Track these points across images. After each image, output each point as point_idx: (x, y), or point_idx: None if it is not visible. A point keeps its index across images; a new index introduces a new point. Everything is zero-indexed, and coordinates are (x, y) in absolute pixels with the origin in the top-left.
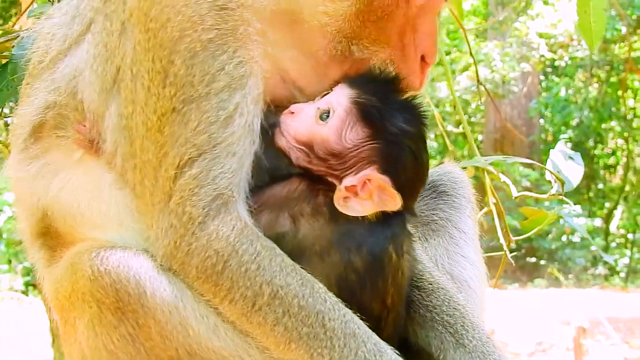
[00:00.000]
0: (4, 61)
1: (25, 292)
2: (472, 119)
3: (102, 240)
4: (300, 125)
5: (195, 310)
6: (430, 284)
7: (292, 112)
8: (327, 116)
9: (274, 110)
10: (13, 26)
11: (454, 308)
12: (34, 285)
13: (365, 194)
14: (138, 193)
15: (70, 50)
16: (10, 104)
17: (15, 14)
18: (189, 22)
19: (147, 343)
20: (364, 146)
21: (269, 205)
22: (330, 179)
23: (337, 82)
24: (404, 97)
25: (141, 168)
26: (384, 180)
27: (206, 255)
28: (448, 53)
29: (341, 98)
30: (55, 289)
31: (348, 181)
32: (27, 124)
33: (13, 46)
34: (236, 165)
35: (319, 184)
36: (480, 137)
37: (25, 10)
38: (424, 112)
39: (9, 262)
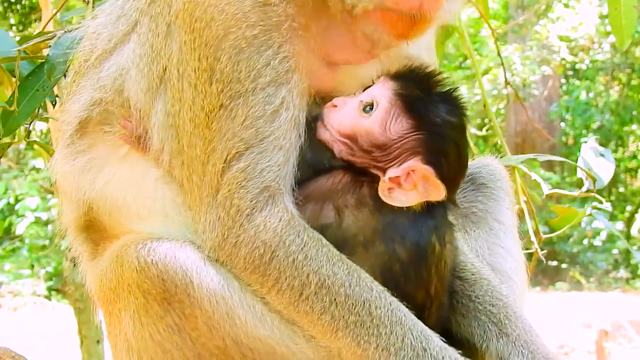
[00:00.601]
0: (39, 62)
1: (48, 297)
2: (492, 123)
3: (147, 232)
4: (344, 118)
5: (242, 299)
6: (473, 275)
7: (335, 106)
8: (371, 109)
9: (319, 102)
10: (45, 27)
11: (497, 298)
12: (57, 290)
13: (409, 185)
14: (186, 189)
15: (116, 49)
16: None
17: (35, 20)
18: (233, 19)
19: (194, 333)
20: (408, 137)
21: (313, 197)
22: (373, 170)
23: (378, 77)
24: (445, 89)
25: (189, 164)
26: (428, 171)
27: (254, 246)
28: (479, 53)
29: (384, 91)
30: (100, 281)
31: (392, 172)
32: (74, 119)
33: (49, 46)
34: (283, 159)
35: (362, 176)
36: (500, 141)
37: (56, 12)
38: (465, 103)
39: (32, 267)
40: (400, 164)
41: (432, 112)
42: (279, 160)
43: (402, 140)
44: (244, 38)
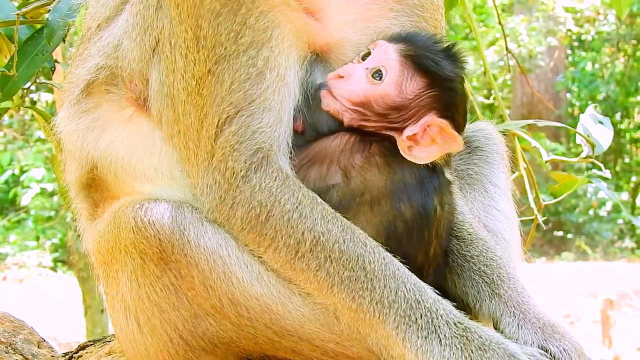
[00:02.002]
0: (38, 26)
1: (53, 269)
2: (500, 94)
3: (147, 193)
4: (354, 87)
5: (240, 259)
6: (470, 234)
7: (341, 76)
8: (379, 74)
9: (316, 59)
10: None
11: (491, 259)
12: (63, 262)
13: (426, 141)
14: (184, 156)
15: (112, 18)
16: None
17: None
18: None
19: (190, 292)
20: (423, 95)
21: (318, 159)
22: (387, 132)
23: (373, 43)
24: (445, 45)
25: (185, 132)
26: (444, 124)
27: (250, 206)
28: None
29: (390, 54)
30: (98, 243)
31: (409, 130)
32: (81, 81)
33: (48, 10)
34: (274, 120)
35: (370, 136)
36: (507, 112)
37: None
38: (465, 57)
39: (37, 238)
40: (417, 122)
41: (442, 68)
42: (270, 121)
43: (418, 99)
44: (218, 0)
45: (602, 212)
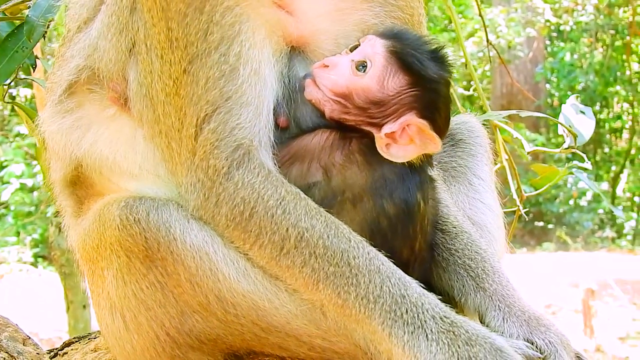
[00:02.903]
0: (18, 23)
1: (34, 264)
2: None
3: (132, 191)
4: (338, 77)
5: (226, 255)
6: (455, 228)
7: (326, 66)
8: (364, 67)
9: (293, 52)
10: None
11: (476, 252)
12: (43, 257)
13: (405, 140)
14: (167, 156)
15: (91, 19)
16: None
17: None
18: None
19: (176, 290)
20: (405, 93)
21: (298, 156)
22: (366, 127)
23: (363, 37)
24: (433, 46)
25: (166, 132)
26: (423, 124)
27: (234, 203)
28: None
29: (377, 48)
30: (83, 240)
31: (388, 128)
32: (64, 82)
33: (28, 7)
34: (253, 115)
35: (350, 132)
36: (488, 104)
37: None
38: (451, 60)
39: (18, 234)
40: (396, 120)
41: (426, 68)
42: (248, 117)
43: (399, 96)
44: (182, 1)
45: (583, 202)
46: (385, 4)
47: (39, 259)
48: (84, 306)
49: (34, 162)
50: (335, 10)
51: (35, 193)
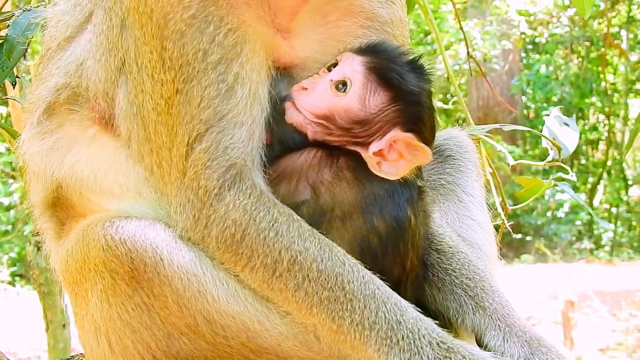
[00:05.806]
0: None
1: (11, 283)
2: (455, 98)
3: (114, 210)
4: (317, 99)
5: (215, 276)
6: (451, 248)
7: (305, 88)
8: (344, 86)
9: (281, 75)
10: (2, 7)
11: (474, 272)
12: (21, 276)
13: (394, 156)
14: (157, 175)
15: (74, 38)
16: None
17: None
18: (169, 5)
19: (163, 312)
20: (387, 109)
21: (286, 175)
22: (351, 147)
23: (340, 54)
24: (411, 58)
25: (157, 151)
26: (409, 137)
27: (225, 225)
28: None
29: (355, 66)
30: (66, 262)
31: (375, 146)
32: (42, 102)
33: (7, 26)
34: (246, 135)
35: (337, 150)
36: (463, 116)
37: None
38: (430, 69)
39: None
40: (382, 137)
41: (406, 81)
42: (242, 137)
43: (382, 113)
44: (182, 21)
45: (560, 214)
46: (382, 31)
47: (17, 278)
48: (64, 325)
49: (10, 181)
50: (330, 37)
51: (12, 212)
